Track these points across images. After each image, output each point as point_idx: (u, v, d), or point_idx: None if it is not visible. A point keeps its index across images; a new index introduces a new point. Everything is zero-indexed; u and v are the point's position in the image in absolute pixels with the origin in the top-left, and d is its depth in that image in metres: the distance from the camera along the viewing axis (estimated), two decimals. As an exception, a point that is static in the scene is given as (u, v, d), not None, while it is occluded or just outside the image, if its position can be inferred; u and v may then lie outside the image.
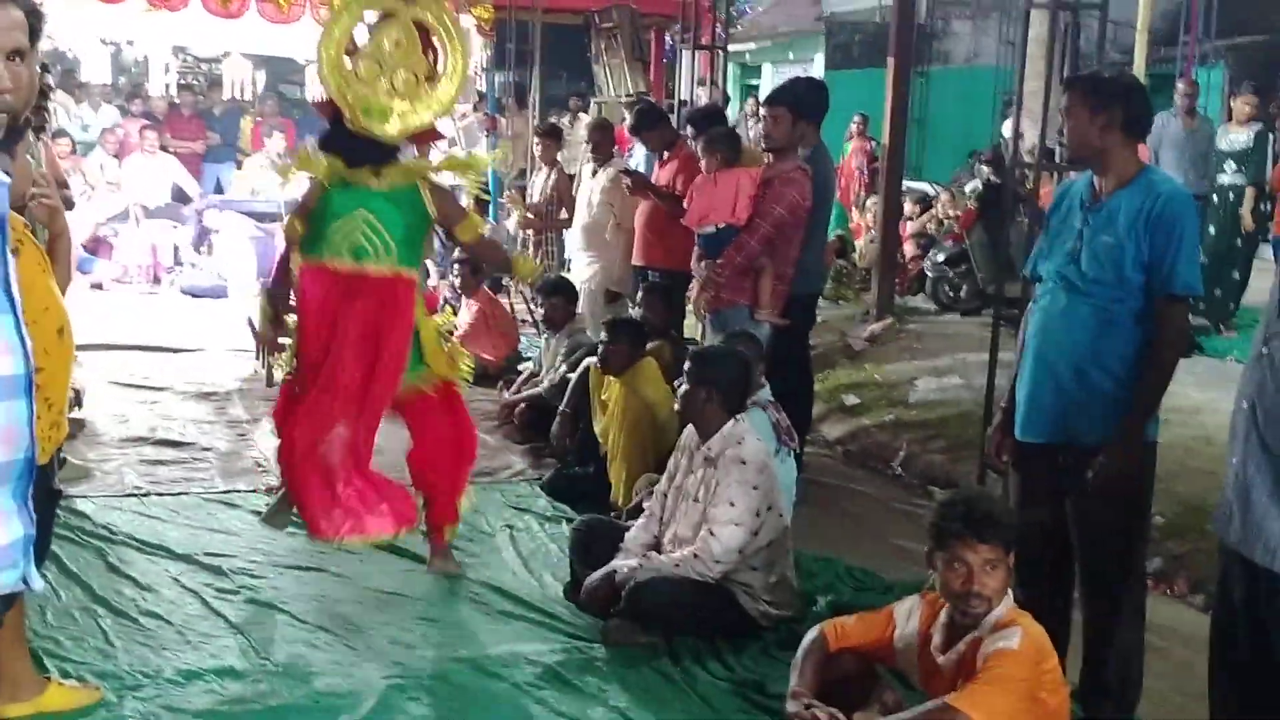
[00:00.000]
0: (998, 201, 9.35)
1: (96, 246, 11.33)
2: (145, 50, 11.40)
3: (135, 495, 5.59)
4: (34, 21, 2.57)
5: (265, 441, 6.47)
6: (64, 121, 12.77)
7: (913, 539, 5.57)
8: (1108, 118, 3.61)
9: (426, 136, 4.80)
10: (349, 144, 4.48)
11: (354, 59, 4.44)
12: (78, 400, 6.51)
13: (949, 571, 3.14)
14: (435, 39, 4.56)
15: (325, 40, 4.47)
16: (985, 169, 11.36)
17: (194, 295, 10.94)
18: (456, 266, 9.04)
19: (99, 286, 10.88)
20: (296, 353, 4.65)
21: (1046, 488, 3.80)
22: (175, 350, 8.64)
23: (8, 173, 2.59)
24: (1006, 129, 12.80)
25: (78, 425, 6.37)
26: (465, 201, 4.99)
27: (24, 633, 3.58)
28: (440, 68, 4.55)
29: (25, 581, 2.39)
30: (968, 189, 11.85)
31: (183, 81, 14.64)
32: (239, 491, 5.75)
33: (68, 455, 5.21)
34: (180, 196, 12.33)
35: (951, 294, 10.64)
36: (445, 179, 4.76)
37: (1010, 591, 3.19)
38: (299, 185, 4.81)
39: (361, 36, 4.52)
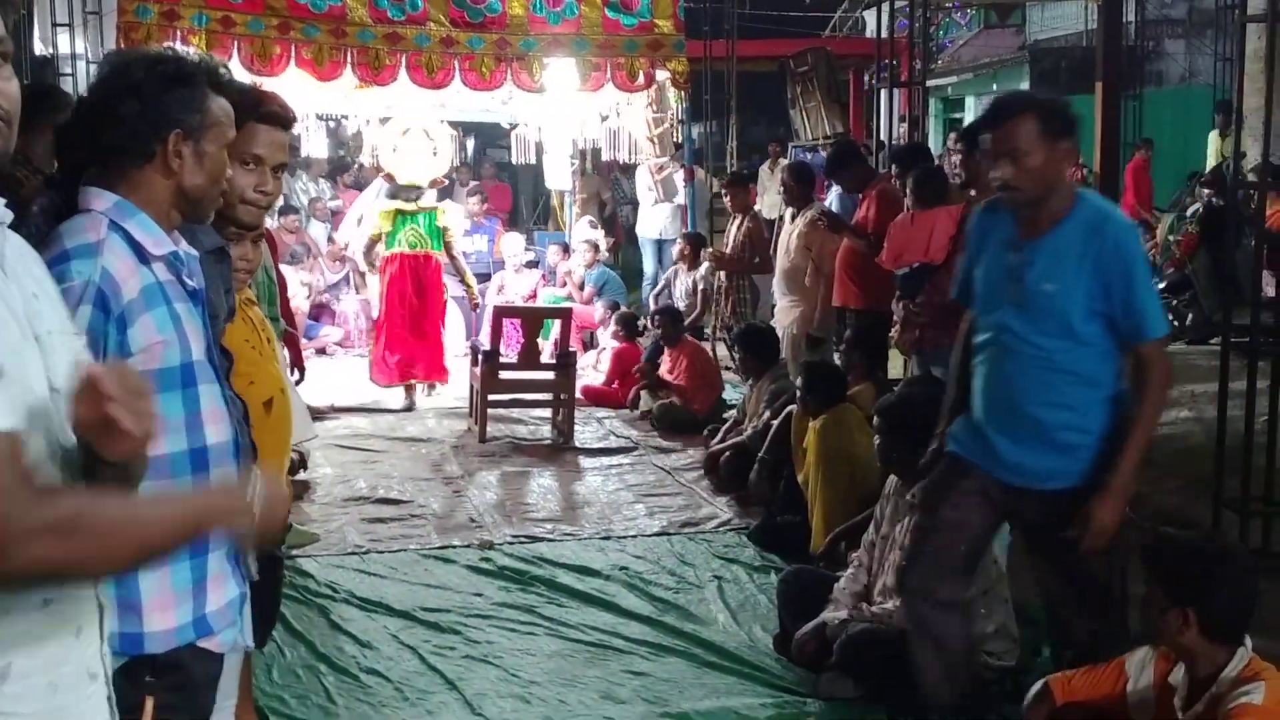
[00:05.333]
0: (1221, 225, 8.88)
1: (320, 313, 11.80)
2: (358, 123, 11.75)
3: (356, 554, 5.76)
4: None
5: (477, 496, 6.66)
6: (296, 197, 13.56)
7: (1144, 584, 5.28)
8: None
9: (438, 181, 9.30)
10: (403, 193, 8.98)
11: (397, 152, 9.02)
12: (302, 463, 6.78)
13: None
14: (432, 133, 9.15)
15: (381, 147, 9.24)
16: (1205, 191, 10.81)
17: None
18: (658, 318, 9.11)
19: (324, 351, 11.29)
20: (384, 302, 8.97)
21: (983, 504, 3.65)
22: (392, 411, 8.92)
23: (225, 250, 2.73)
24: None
25: (302, 487, 6.65)
26: (458, 231, 9.62)
27: (251, 691, 3.72)
28: (437, 147, 9.16)
29: (243, 639, 2.46)
30: (1188, 213, 11.29)
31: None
32: (454, 547, 5.87)
33: (293, 521, 5.42)
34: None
35: (1175, 323, 10.12)
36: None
37: (1248, 642, 2.98)
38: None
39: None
